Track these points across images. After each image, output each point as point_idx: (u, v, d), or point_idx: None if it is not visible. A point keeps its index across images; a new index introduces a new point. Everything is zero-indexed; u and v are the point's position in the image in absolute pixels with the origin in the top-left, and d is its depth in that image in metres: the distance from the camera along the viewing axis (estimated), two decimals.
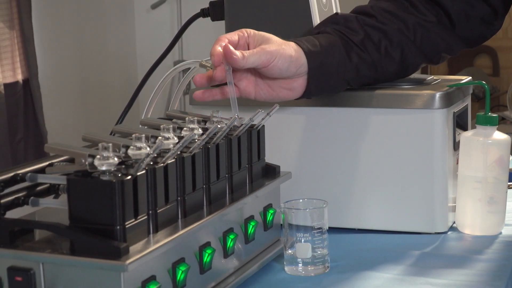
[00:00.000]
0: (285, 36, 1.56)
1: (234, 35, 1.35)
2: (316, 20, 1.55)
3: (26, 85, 4.56)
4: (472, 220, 1.47)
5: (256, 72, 1.39)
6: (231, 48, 1.31)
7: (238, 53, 1.31)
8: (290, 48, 1.37)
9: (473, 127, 1.49)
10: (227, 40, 1.33)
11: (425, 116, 1.44)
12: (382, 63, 1.46)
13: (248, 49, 1.35)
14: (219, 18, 1.66)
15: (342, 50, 1.43)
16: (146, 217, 1.03)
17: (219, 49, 1.32)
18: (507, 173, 1.46)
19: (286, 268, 1.31)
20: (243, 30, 1.36)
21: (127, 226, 0.98)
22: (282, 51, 1.35)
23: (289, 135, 1.52)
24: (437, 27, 1.50)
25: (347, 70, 1.43)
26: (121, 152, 1.06)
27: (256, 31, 1.37)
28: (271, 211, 1.33)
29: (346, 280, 1.27)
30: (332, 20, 1.48)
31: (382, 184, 1.48)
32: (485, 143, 1.44)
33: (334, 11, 1.67)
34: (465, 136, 1.47)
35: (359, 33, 1.45)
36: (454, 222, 1.52)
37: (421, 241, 1.43)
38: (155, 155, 1.03)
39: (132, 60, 5.81)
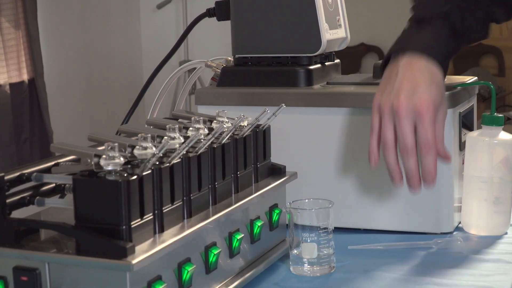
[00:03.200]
0: (291, 37, 1.56)
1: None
2: (322, 20, 1.55)
3: (32, 85, 4.56)
4: (477, 221, 1.47)
5: None
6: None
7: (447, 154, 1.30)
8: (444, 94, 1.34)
9: (479, 127, 1.49)
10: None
11: None
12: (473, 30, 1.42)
13: None
14: (225, 18, 1.66)
15: (452, 44, 1.39)
16: (152, 217, 1.03)
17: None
18: None
19: (291, 268, 1.31)
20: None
21: (132, 226, 0.98)
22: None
23: (295, 135, 1.52)
24: None
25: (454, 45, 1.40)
26: (127, 152, 1.06)
27: None
28: (276, 211, 1.33)
29: (352, 280, 1.27)
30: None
31: (387, 184, 1.48)
32: (490, 143, 1.44)
33: (340, 11, 1.67)
34: (470, 137, 1.47)
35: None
36: (459, 222, 1.52)
37: (427, 241, 1.43)
38: (161, 155, 1.03)
39: (137, 60, 5.81)
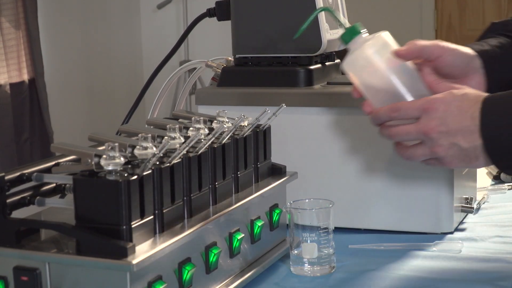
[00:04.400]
0: (291, 37, 1.56)
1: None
2: (323, 20, 1.55)
3: (32, 85, 4.57)
4: None
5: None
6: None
7: (404, 47, 1.24)
8: (459, 47, 1.31)
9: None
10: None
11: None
12: None
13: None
14: (225, 18, 1.66)
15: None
16: (152, 217, 1.03)
17: None
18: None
19: (292, 268, 1.31)
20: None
21: (133, 226, 0.98)
22: (448, 43, 1.29)
23: (295, 135, 1.52)
24: None
25: None
26: (127, 152, 1.06)
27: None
28: (277, 211, 1.33)
29: (352, 280, 1.27)
30: (490, 29, 1.43)
31: (388, 184, 1.48)
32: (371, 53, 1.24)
33: (340, 10, 1.67)
34: (346, 67, 1.26)
35: None
36: (459, 223, 1.52)
37: (427, 241, 1.43)
38: (161, 155, 1.03)
39: (138, 60, 5.81)
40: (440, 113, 1.18)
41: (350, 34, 1.25)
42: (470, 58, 1.31)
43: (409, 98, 1.22)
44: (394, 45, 1.25)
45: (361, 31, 1.25)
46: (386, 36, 1.26)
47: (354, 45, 1.25)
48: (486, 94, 1.21)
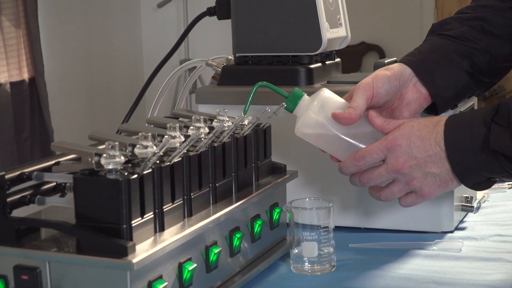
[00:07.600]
0: (291, 35, 1.56)
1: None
2: (323, 19, 1.55)
3: (32, 84, 4.57)
4: None
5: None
6: (338, 113, 1.26)
7: (345, 113, 1.25)
8: (382, 69, 1.32)
9: None
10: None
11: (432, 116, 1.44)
12: (494, 47, 1.39)
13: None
14: (226, 17, 1.66)
15: (446, 44, 1.37)
16: (152, 215, 1.03)
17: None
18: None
19: (292, 267, 1.31)
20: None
21: (133, 225, 0.98)
22: (374, 76, 1.31)
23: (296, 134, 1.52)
24: None
25: (459, 60, 1.36)
26: (127, 150, 1.06)
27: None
28: (277, 210, 1.33)
29: (352, 279, 1.26)
30: (430, 30, 1.44)
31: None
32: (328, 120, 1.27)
33: (340, 10, 1.67)
34: (298, 132, 1.31)
35: (458, 28, 1.39)
36: (460, 222, 1.52)
37: (427, 240, 1.43)
38: (162, 154, 1.03)
39: (138, 58, 5.81)
40: (404, 147, 1.23)
41: (293, 100, 1.29)
42: (398, 75, 1.32)
43: (366, 145, 1.27)
44: (336, 99, 1.29)
45: (302, 94, 1.29)
46: (327, 93, 1.29)
47: (299, 110, 1.29)
48: (442, 117, 1.25)
